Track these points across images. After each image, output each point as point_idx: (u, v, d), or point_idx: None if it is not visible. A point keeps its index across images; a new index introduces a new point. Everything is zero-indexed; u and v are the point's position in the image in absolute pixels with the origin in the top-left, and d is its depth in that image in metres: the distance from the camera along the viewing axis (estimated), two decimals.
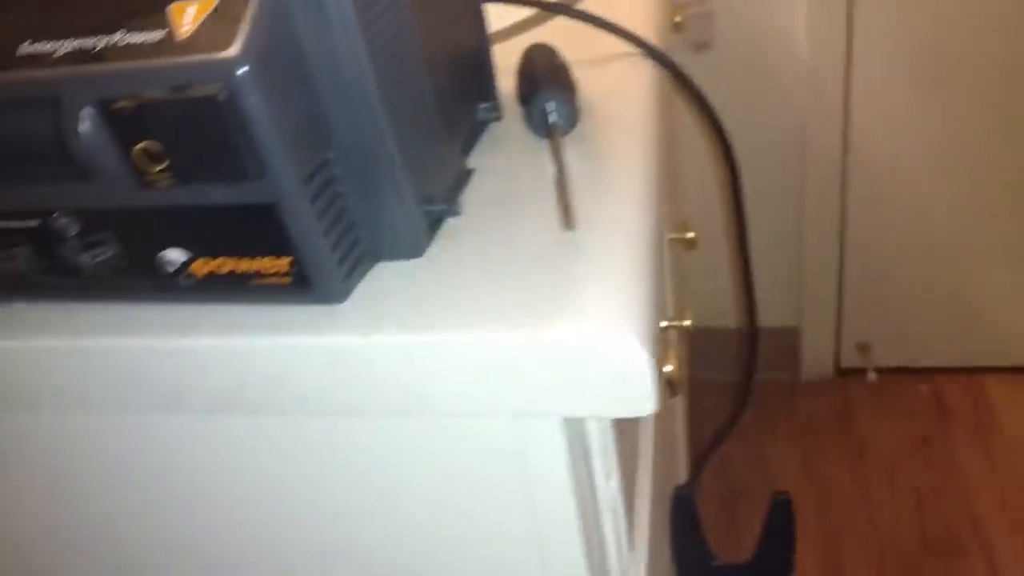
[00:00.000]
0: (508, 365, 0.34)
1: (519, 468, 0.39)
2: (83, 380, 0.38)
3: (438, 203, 0.39)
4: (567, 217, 0.37)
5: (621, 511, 0.46)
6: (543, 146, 0.46)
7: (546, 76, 0.48)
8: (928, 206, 1.38)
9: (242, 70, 0.29)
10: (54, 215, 0.35)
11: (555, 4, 0.58)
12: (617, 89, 0.51)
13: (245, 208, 0.32)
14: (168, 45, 0.29)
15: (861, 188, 1.37)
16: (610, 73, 0.53)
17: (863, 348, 1.54)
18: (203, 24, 0.30)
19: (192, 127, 0.30)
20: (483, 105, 0.47)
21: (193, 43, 0.29)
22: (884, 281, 1.47)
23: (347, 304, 0.36)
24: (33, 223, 0.35)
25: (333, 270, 0.34)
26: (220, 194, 0.32)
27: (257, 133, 0.30)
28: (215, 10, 0.30)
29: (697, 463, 1.12)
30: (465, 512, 0.42)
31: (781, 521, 0.89)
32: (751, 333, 0.70)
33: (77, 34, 0.31)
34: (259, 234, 0.33)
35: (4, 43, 0.32)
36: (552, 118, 0.46)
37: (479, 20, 0.47)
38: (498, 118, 0.48)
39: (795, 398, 1.58)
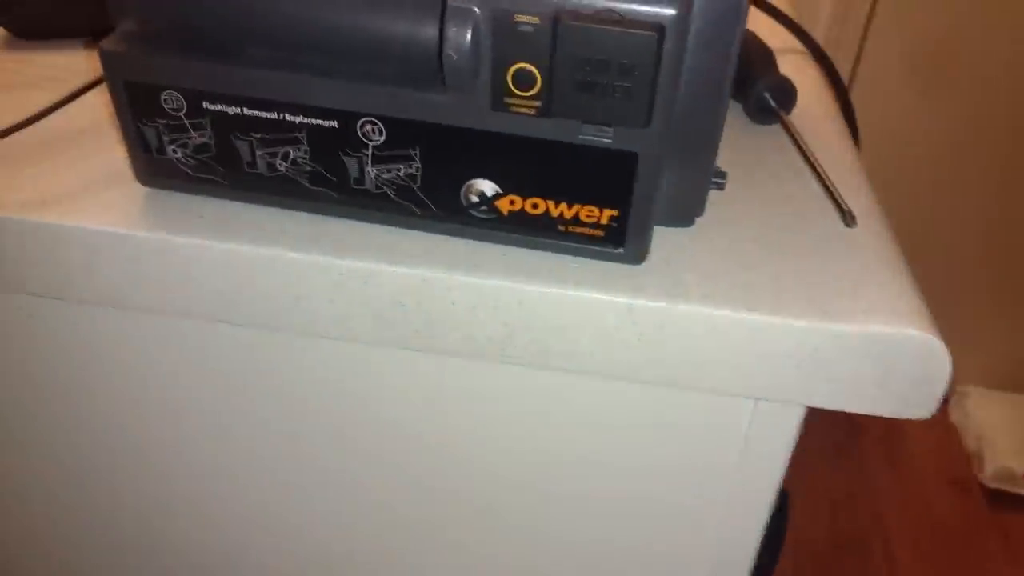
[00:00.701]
0: (808, 352, 0.34)
1: (739, 448, 0.40)
2: (332, 304, 0.35)
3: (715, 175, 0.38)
4: (844, 213, 0.37)
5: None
6: (755, 129, 0.46)
7: (759, 60, 0.48)
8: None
9: (674, 12, 0.27)
10: (363, 119, 0.32)
11: None
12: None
13: (594, 152, 0.31)
14: None
15: None
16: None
17: None
18: None
19: (594, 59, 0.28)
20: None
21: None
22: None
23: (638, 267, 0.35)
24: (331, 123, 0.32)
25: (648, 230, 0.33)
26: (585, 134, 0.30)
27: (662, 81, 0.28)
28: None
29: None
30: (662, 479, 0.42)
31: (776, 514, 0.93)
32: None
33: None
34: (594, 181, 0.31)
35: None
36: (773, 104, 0.45)
37: None
38: None
39: None
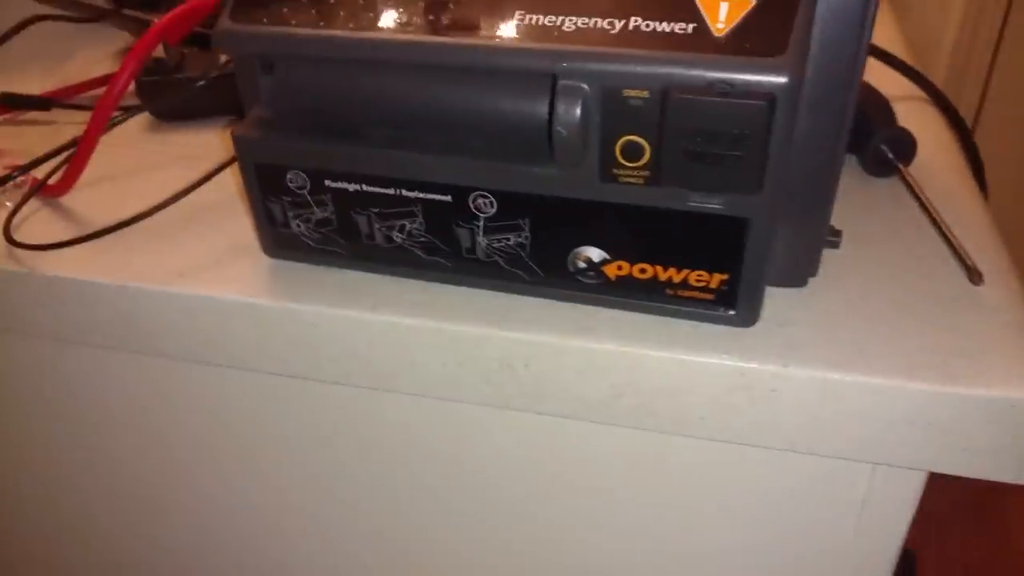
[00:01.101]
0: (932, 418, 0.32)
1: (856, 513, 0.38)
2: (444, 367, 0.36)
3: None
4: (969, 270, 0.36)
5: None
6: (872, 182, 0.45)
7: (874, 111, 0.47)
8: None
9: (785, 80, 0.27)
10: (475, 193, 0.33)
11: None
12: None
13: (704, 217, 0.31)
14: (703, 40, 0.28)
15: None
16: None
17: None
18: (742, 23, 0.28)
19: (704, 130, 0.28)
20: None
21: (733, 42, 0.28)
22: None
23: (749, 329, 0.34)
24: (445, 197, 0.33)
25: (760, 293, 0.33)
26: (695, 201, 0.30)
27: (774, 147, 0.28)
28: (756, 9, 0.28)
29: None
30: (772, 544, 0.41)
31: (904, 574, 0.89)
32: None
33: (581, 12, 0.29)
34: (703, 246, 0.31)
35: (497, 11, 0.30)
36: (891, 157, 0.44)
37: None
38: None
39: None
